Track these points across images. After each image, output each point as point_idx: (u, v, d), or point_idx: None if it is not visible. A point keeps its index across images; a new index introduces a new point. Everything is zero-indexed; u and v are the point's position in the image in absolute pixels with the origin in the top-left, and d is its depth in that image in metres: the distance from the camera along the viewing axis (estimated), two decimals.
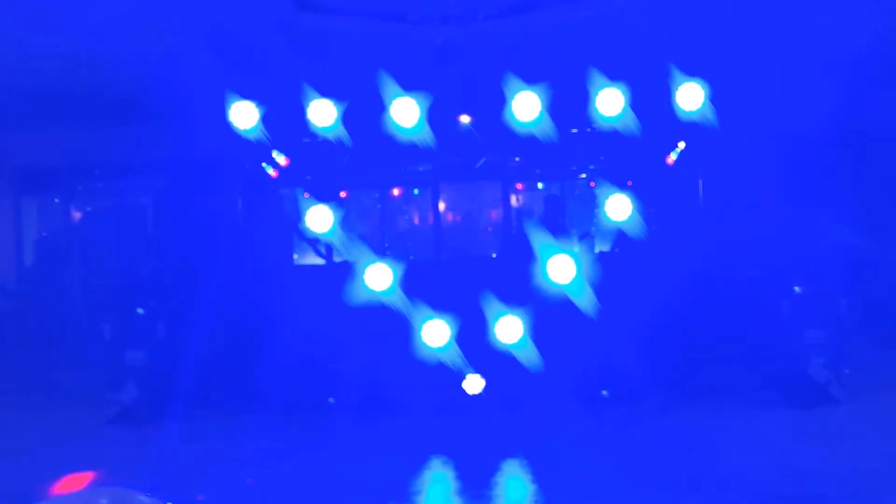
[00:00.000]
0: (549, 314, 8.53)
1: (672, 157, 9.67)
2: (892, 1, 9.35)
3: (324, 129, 8.79)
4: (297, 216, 9.21)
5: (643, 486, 6.38)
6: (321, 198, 9.55)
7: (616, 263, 10.20)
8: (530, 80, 8.53)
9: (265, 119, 8.72)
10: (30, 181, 15.10)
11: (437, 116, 8.78)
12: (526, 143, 9.02)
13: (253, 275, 9.57)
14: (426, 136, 8.71)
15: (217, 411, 9.04)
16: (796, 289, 8.93)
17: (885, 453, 6.91)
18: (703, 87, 8.45)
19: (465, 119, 9.44)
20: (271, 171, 9.96)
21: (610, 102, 8.51)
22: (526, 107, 8.55)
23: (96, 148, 14.10)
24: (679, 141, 9.77)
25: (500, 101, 8.62)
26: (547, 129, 8.63)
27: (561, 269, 8.48)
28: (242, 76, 8.99)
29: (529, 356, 8.47)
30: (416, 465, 7.08)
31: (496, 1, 9.05)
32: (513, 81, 8.49)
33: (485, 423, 8.46)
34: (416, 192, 15.23)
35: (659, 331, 9.00)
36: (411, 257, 12.83)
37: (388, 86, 8.50)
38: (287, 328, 8.63)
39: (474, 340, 8.66)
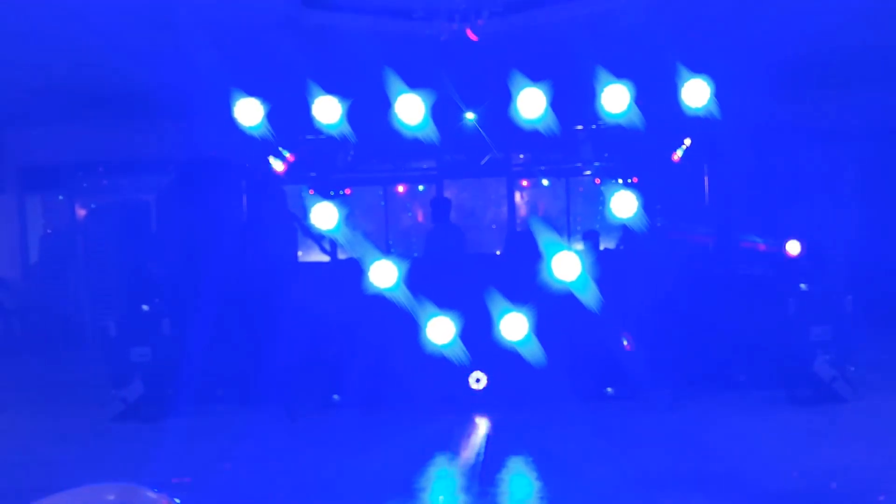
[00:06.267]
0: (553, 311, 8.53)
1: (678, 155, 9.65)
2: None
3: (329, 125, 8.78)
4: (302, 213, 9.19)
5: (648, 484, 6.37)
6: (326, 195, 9.56)
7: (621, 260, 10.20)
8: (535, 76, 8.52)
9: (270, 116, 8.72)
10: (34, 178, 15.13)
11: (442, 113, 8.77)
12: (531, 139, 9.01)
13: (257, 272, 9.57)
14: (431, 132, 8.70)
15: (222, 408, 9.04)
16: (802, 286, 8.91)
17: (891, 451, 6.89)
18: (708, 84, 8.43)
19: (470, 116, 9.44)
20: (278, 166, 9.94)
21: (615, 99, 8.49)
22: (531, 103, 8.54)
23: (101, 145, 14.13)
24: (685, 138, 9.76)
25: (506, 98, 8.60)
26: (552, 125, 8.61)
27: (566, 266, 8.46)
28: (247, 73, 8.99)
29: (534, 353, 8.46)
30: (421, 462, 7.08)
31: None
32: (518, 78, 8.48)
33: (489, 420, 8.46)
34: (420, 188, 15.24)
35: (664, 328, 8.99)
36: (415, 254, 12.83)
37: (393, 82, 8.49)
38: (292, 325, 8.63)
39: (479, 337, 8.66)
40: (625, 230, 9.96)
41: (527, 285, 8.49)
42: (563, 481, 6.49)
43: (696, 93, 8.45)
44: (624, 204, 8.75)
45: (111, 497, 3.08)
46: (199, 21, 8.73)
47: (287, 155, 9.97)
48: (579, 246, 11.33)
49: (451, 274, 9.19)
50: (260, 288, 9.44)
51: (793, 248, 8.90)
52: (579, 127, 10.01)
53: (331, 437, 8.13)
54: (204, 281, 8.84)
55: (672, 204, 10.24)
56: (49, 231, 15.78)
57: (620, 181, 9.51)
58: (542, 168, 13.24)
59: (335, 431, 8.30)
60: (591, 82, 8.48)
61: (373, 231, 14.32)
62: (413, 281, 8.59)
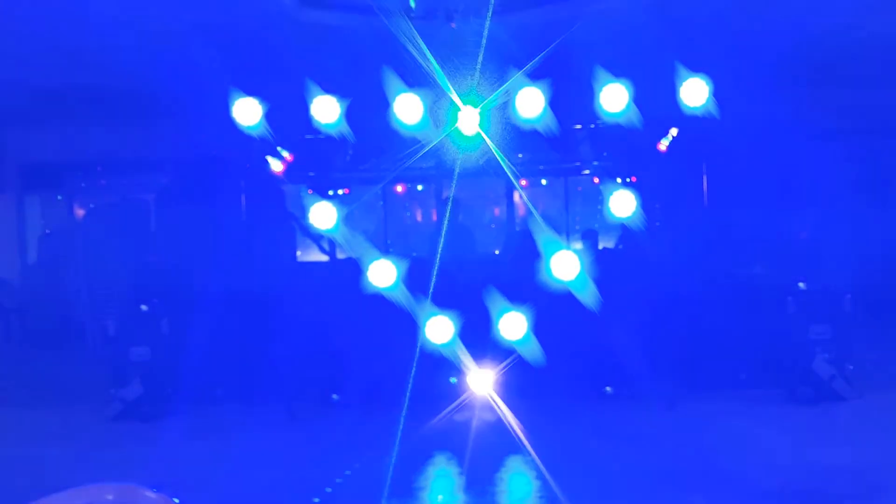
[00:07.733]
0: (552, 311, 8.52)
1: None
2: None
3: (327, 125, 8.76)
4: (301, 213, 9.18)
5: (647, 483, 6.37)
6: (324, 194, 9.54)
7: (620, 259, 10.20)
8: (534, 75, 8.51)
9: (268, 115, 8.71)
10: (33, 178, 15.11)
11: (439, 112, 8.75)
12: (529, 139, 8.99)
13: (256, 271, 9.57)
14: (429, 132, 8.68)
15: (221, 408, 9.04)
16: (801, 285, 8.91)
17: (889, 449, 6.90)
18: (707, 83, 8.42)
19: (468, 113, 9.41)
20: (276, 165, 9.94)
21: (614, 98, 8.47)
22: (530, 103, 8.53)
23: (99, 145, 14.11)
24: (678, 133, 9.75)
25: (504, 97, 8.59)
26: (550, 125, 8.60)
27: (565, 265, 8.45)
28: (245, 72, 8.98)
29: (533, 353, 8.45)
30: (421, 462, 7.08)
31: None
32: (516, 77, 8.47)
33: (488, 420, 8.45)
34: (419, 188, 15.25)
35: (663, 327, 8.99)
36: (414, 254, 12.82)
37: (392, 82, 8.48)
38: (290, 325, 8.63)
39: (478, 337, 8.65)
40: (624, 229, 9.96)
41: (526, 284, 8.48)
42: (562, 481, 6.49)
43: (695, 92, 8.44)
44: (623, 203, 8.74)
45: (110, 497, 3.08)
46: (196, 20, 8.73)
47: (286, 154, 9.96)
48: (578, 245, 11.32)
49: (452, 274, 9.17)
50: (259, 288, 9.44)
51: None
52: (578, 126, 10.00)
53: (330, 436, 8.13)
54: (203, 280, 8.84)
55: (671, 203, 10.24)
56: (48, 231, 15.77)
57: (619, 180, 9.50)
58: (541, 167, 13.23)
59: (335, 431, 8.29)
60: (590, 81, 8.47)
61: (371, 231, 14.32)
62: (415, 281, 8.58)
